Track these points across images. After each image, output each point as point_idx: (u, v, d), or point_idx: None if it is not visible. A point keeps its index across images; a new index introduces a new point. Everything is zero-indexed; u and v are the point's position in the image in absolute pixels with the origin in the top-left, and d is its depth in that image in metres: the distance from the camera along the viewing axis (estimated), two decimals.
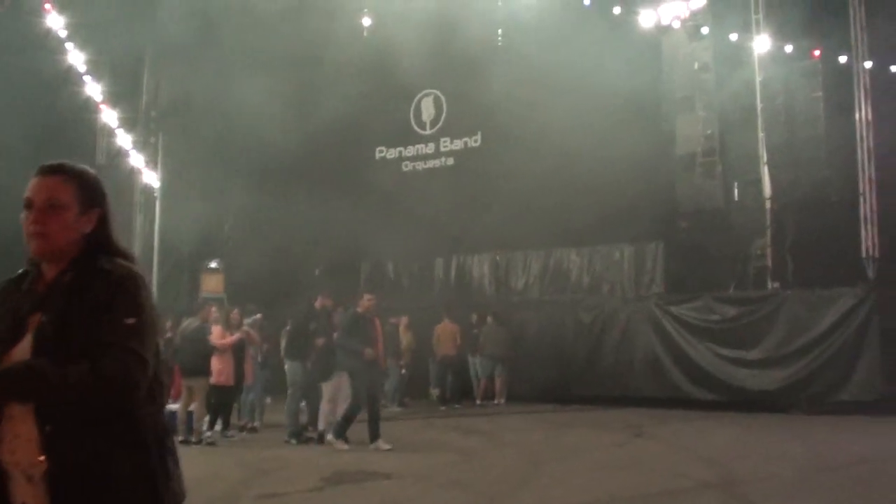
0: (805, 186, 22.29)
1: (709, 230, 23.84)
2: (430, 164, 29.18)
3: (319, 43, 24.61)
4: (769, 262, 22.31)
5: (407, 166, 29.61)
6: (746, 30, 23.10)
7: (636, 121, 23.87)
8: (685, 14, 24.22)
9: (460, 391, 24.73)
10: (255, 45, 25.57)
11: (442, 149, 28.96)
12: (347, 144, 29.12)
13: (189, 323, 18.26)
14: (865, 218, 20.88)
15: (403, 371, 24.56)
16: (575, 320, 24.53)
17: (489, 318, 24.74)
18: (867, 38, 21.33)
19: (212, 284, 28.50)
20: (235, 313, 19.16)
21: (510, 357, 24.54)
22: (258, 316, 20.34)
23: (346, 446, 16.32)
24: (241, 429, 19.06)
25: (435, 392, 25.22)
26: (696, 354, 22.39)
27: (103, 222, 3.92)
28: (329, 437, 16.70)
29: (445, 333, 24.68)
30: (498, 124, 27.09)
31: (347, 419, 16.61)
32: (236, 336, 18.23)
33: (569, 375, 24.05)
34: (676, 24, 24.43)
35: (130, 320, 3.63)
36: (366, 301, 17.04)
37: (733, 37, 23.33)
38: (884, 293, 20.40)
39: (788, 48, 22.80)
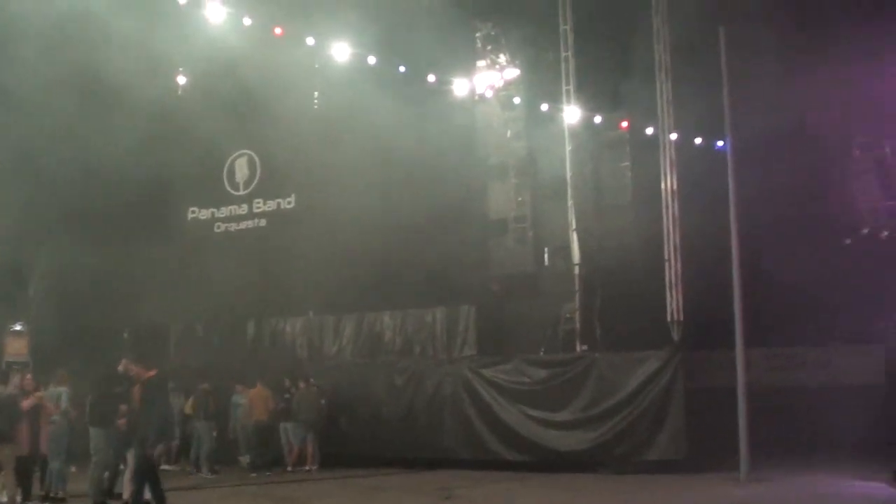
0: (613, 252, 22.98)
1: (520, 294, 24.33)
2: (243, 225, 28.87)
3: (133, 100, 24.14)
4: (577, 326, 22.77)
5: (219, 227, 29.22)
6: (558, 100, 23.71)
7: (450, 186, 24.18)
8: (499, 84, 24.79)
9: (272, 458, 24.26)
10: (65, 100, 24.90)
11: (255, 210, 28.69)
12: (160, 204, 28.57)
13: (2, 389, 17.49)
14: (670, 283, 21.53)
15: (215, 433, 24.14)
16: (387, 383, 24.43)
17: (301, 383, 24.39)
18: (673, 111, 22.16)
19: (15, 347, 27.38)
20: (29, 379, 18.41)
21: (323, 421, 24.22)
22: (62, 388, 19.53)
23: None
24: (44, 498, 18.16)
25: (245, 459, 24.63)
26: (507, 416, 22.60)
27: None
28: None
29: (258, 398, 24.09)
30: (312, 186, 27.18)
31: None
32: (30, 401, 17.49)
33: (381, 438, 23.90)
34: (490, 94, 24.96)
35: None
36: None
37: (545, 107, 23.94)
38: (688, 355, 21.10)
39: (598, 119, 23.52)
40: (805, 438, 21.07)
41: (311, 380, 24.40)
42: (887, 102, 21.00)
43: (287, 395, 24.33)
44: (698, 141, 22.68)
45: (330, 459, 23.93)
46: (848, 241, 22.54)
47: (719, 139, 21.36)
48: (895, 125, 21.62)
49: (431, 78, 24.18)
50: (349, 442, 24.25)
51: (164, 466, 22.82)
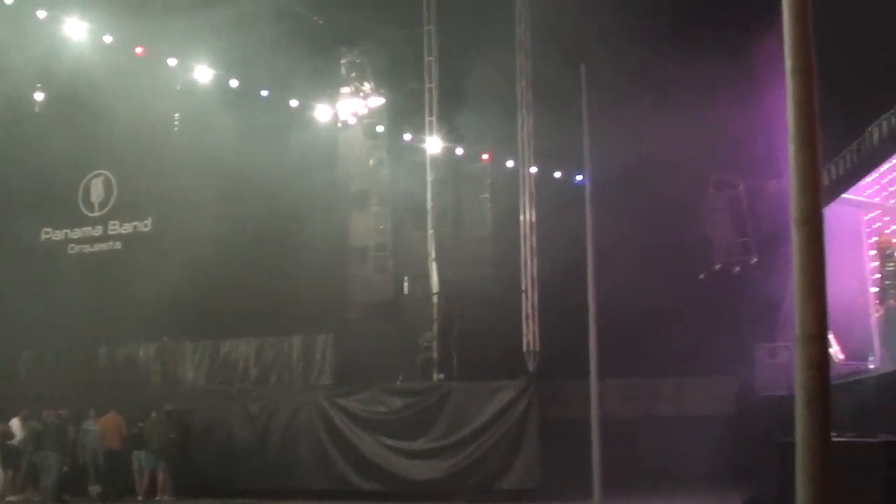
0: (471, 282, 23.07)
1: (378, 322, 24.19)
2: (98, 247, 28.15)
3: None
4: (435, 355, 22.78)
5: (73, 249, 28.41)
6: (420, 131, 23.80)
7: (311, 213, 24.02)
8: (363, 111, 24.77)
9: (122, 487, 23.59)
10: None
11: (110, 232, 28.03)
12: (11, 224, 27.64)
13: None
14: (527, 314, 21.78)
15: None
16: (242, 411, 24.05)
17: (153, 411, 23.77)
18: (533, 145, 22.46)
19: None
20: None
21: (175, 450, 23.63)
22: None
23: None
24: None
25: (95, 488, 23.88)
26: (363, 446, 22.48)
27: None
28: None
29: (110, 426, 23.54)
30: (170, 209, 26.71)
31: None
32: None
33: (235, 468, 23.48)
34: (353, 121, 24.92)
35: None
36: None
37: (408, 136, 24.02)
38: (543, 385, 21.27)
39: (459, 150, 23.69)
40: (658, 467, 21.38)
41: (166, 407, 23.86)
42: (743, 143, 21.53)
43: (140, 424, 23.75)
44: (557, 175, 22.99)
45: (183, 488, 23.41)
46: (702, 276, 22.99)
47: (578, 174, 21.66)
48: (750, 165, 22.17)
49: (294, 103, 24.09)
50: (202, 471, 23.70)
51: (10, 497, 22.19)
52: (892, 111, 15.06)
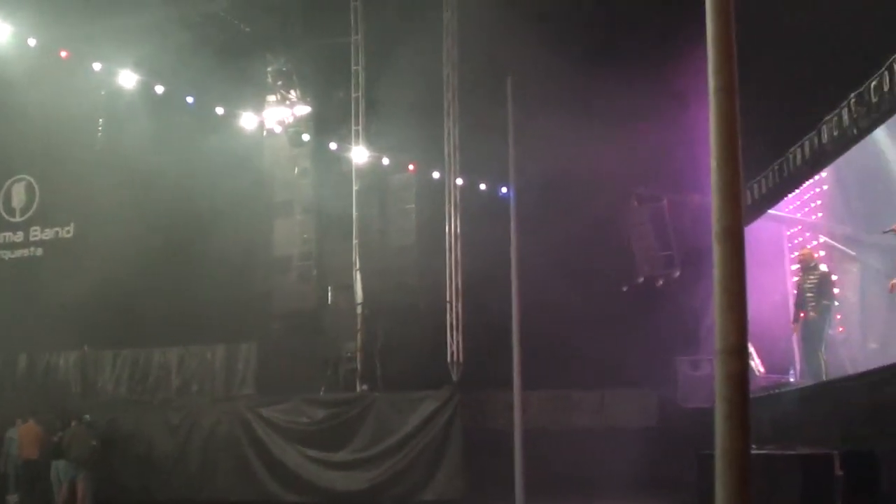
0: (395, 293, 23.08)
1: (302, 332, 24.13)
2: (18, 253, 27.80)
3: None
4: (359, 365, 22.73)
5: None
6: (346, 140, 23.77)
7: (236, 221, 23.89)
8: (289, 120, 24.70)
9: (41, 498, 23.18)
10: None
11: (31, 238, 27.68)
12: None
13: None
14: (451, 325, 21.83)
15: None
16: (163, 422, 23.79)
17: (73, 420, 23.39)
18: (459, 157, 22.54)
19: None
20: None
21: (95, 460, 23.26)
22: None
23: None
24: None
25: (13, 498, 23.47)
26: (285, 457, 22.33)
27: None
28: None
29: (28, 435, 23.14)
30: (93, 216, 26.38)
31: None
32: None
33: (157, 478, 23.23)
34: (279, 129, 24.83)
35: None
36: None
37: (333, 146, 23.96)
38: (467, 396, 21.31)
39: (385, 161, 23.66)
40: (581, 478, 21.43)
41: (86, 416, 23.48)
42: (667, 157, 21.73)
43: (60, 433, 23.36)
44: (483, 186, 23.06)
45: (103, 499, 23.02)
46: (625, 289, 23.16)
47: (504, 185, 21.75)
48: (674, 179, 22.38)
49: (220, 110, 23.91)
50: (123, 482, 23.29)
51: None
52: (814, 132, 15.30)
